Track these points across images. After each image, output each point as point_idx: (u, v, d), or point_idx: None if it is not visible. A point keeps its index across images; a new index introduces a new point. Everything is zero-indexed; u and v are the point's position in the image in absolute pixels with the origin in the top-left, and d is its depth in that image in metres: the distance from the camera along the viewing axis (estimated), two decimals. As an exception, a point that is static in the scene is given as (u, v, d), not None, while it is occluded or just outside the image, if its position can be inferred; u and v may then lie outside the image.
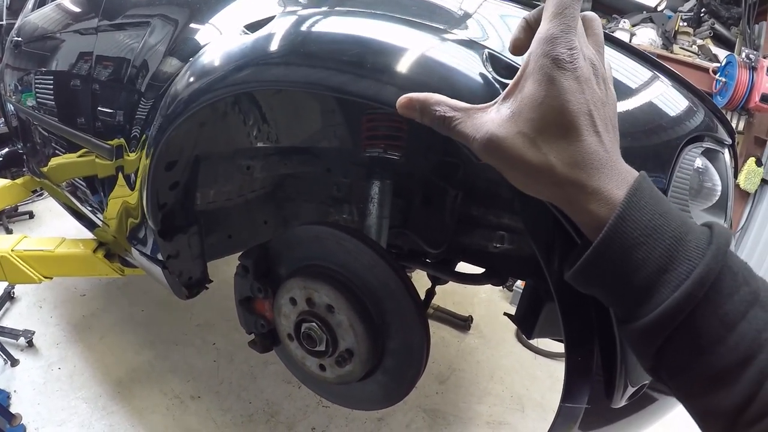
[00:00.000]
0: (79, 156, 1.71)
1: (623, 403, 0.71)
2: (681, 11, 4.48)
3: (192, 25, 1.13)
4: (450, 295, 3.37)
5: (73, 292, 3.06)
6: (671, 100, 0.75)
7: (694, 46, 4.19)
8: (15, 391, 2.26)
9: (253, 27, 0.93)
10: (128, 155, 1.29)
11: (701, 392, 0.48)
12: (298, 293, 1.02)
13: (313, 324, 1.00)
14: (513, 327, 3.12)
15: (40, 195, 4.21)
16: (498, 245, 1.39)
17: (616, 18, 4.51)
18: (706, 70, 3.96)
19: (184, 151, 1.19)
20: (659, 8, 4.64)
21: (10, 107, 2.68)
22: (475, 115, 0.54)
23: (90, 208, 1.82)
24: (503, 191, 1.35)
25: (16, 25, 2.66)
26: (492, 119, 0.52)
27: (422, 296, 1.48)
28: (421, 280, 1.72)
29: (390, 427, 2.28)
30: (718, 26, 4.28)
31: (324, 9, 0.86)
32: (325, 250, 1.02)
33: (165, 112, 1.07)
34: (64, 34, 1.89)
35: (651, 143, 0.70)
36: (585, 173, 0.50)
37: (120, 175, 1.37)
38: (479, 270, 1.48)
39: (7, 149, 3.11)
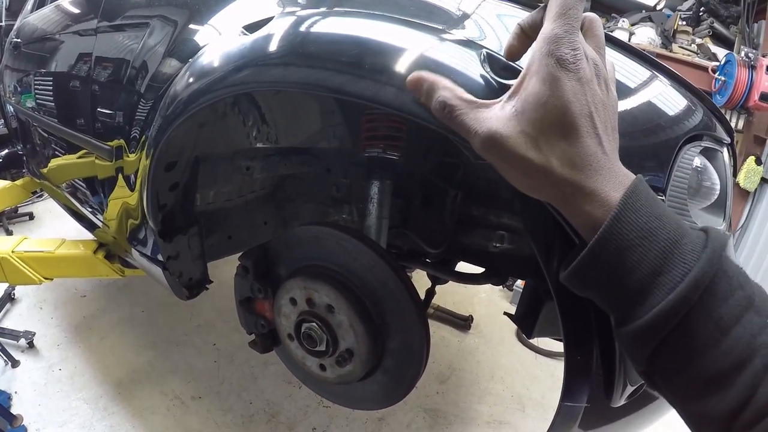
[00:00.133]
0: (79, 157, 1.71)
1: (622, 402, 0.72)
2: (680, 10, 4.49)
3: (191, 26, 1.13)
4: (450, 295, 3.37)
5: (73, 294, 3.06)
6: (670, 100, 0.76)
7: (693, 45, 4.19)
8: (16, 393, 2.27)
9: (251, 28, 0.93)
10: (128, 156, 1.29)
11: (695, 396, 0.48)
12: (298, 293, 1.02)
13: (314, 324, 1.00)
14: (513, 326, 3.13)
15: (40, 196, 4.21)
16: (498, 245, 1.40)
17: (615, 17, 4.51)
18: (705, 69, 3.96)
19: (183, 152, 1.19)
20: (658, 7, 4.64)
21: (10, 108, 2.68)
22: (479, 110, 0.54)
23: (90, 209, 1.82)
24: (503, 191, 1.35)
25: (15, 27, 2.65)
26: (496, 116, 0.52)
27: (422, 296, 1.48)
28: (421, 280, 1.72)
29: (390, 427, 2.28)
30: (717, 25, 4.28)
31: (323, 10, 0.86)
32: (325, 251, 1.02)
33: (164, 112, 1.07)
34: (63, 35, 1.89)
35: (650, 142, 0.70)
36: (583, 175, 0.50)
37: (120, 176, 1.37)
38: (479, 270, 1.49)
39: (6, 150, 3.11)
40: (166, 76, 1.12)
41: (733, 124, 4.00)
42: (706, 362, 0.46)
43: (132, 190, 1.31)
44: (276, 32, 0.87)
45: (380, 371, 1.04)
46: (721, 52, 4.06)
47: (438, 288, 1.76)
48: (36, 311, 2.89)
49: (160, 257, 1.32)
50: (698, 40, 4.23)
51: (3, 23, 3.99)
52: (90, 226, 1.95)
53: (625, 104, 0.70)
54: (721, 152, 0.82)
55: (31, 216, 4.18)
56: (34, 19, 2.32)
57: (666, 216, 0.50)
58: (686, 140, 0.73)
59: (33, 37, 2.23)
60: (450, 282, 1.65)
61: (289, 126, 1.42)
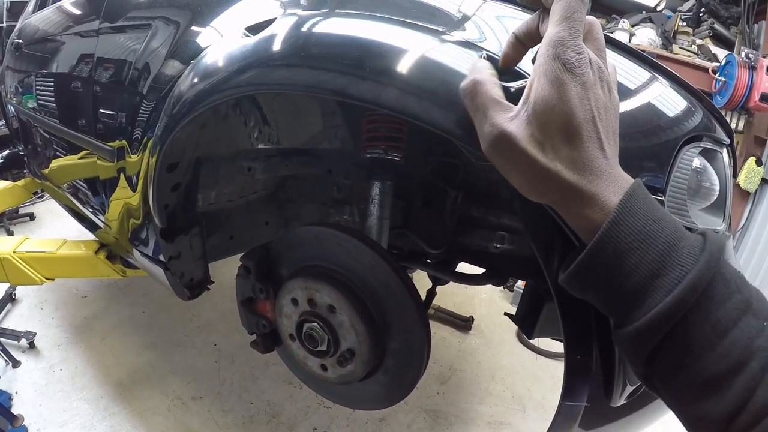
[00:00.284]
0: (81, 158, 1.72)
1: (622, 401, 0.72)
2: (680, 11, 4.49)
3: (193, 28, 1.14)
4: (451, 296, 3.37)
5: (74, 294, 3.07)
6: (669, 101, 0.76)
7: (693, 46, 4.19)
8: (17, 393, 2.27)
9: (254, 29, 0.93)
10: (130, 157, 1.30)
11: (692, 399, 0.48)
12: (299, 294, 1.02)
13: (315, 324, 1.00)
14: (514, 327, 3.13)
15: (41, 197, 4.22)
16: (498, 245, 1.40)
17: (615, 18, 4.51)
18: (705, 69, 3.96)
19: (185, 153, 1.20)
20: (658, 8, 4.64)
21: (11, 109, 2.68)
22: (500, 108, 0.54)
23: (91, 210, 1.82)
24: (503, 192, 1.35)
25: (16, 28, 2.66)
26: (511, 117, 0.52)
27: (423, 297, 1.49)
28: (421, 280, 1.73)
29: (391, 427, 2.28)
30: (717, 26, 4.28)
31: (325, 11, 0.87)
32: (327, 251, 1.03)
33: (170, 112, 1.08)
34: (64, 36, 1.90)
35: (650, 143, 0.70)
36: (584, 179, 0.50)
37: (122, 177, 1.37)
38: (480, 270, 1.49)
39: (8, 151, 3.11)
40: (169, 78, 1.13)
41: (733, 125, 4.00)
42: (703, 365, 0.47)
43: (134, 190, 1.31)
44: (278, 34, 0.88)
45: (381, 371, 1.05)
46: (721, 53, 4.06)
47: (439, 289, 1.76)
48: (37, 312, 2.89)
49: (161, 257, 1.32)
50: (699, 41, 4.23)
51: (4, 24, 4.00)
52: (91, 226, 1.95)
53: (625, 105, 0.70)
54: (721, 153, 0.82)
55: (32, 216, 4.19)
56: (35, 20, 2.32)
57: (664, 219, 0.50)
58: (686, 141, 0.73)
59: (34, 38, 2.24)
60: (451, 283, 1.65)
61: (291, 127, 1.42)
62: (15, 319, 2.82)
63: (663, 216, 0.50)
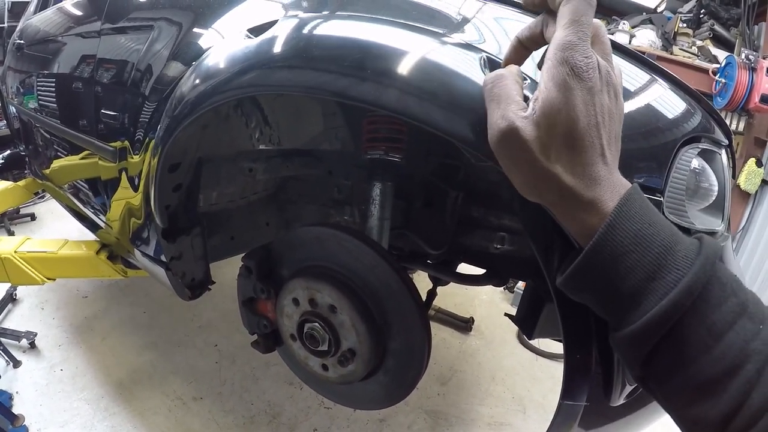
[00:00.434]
0: (82, 158, 1.72)
1: (621, 401, 0.72)
2: (680, 12, 4.48)
3: (195, 30, 1.14)
4: (451, 297, 3.37)
5: (75, 294, 3.07)
6: (668, 102, 0.76)
7: (693, 48, 4.19)
8: (17, 393, 2.27)
9: (256, 31, 0.93)
10: (132, 157, 1.30)
11: (688, 402, 0.49)
12: (300, 294, 1.03)
13: (316, 324, 1.01)
14: (514, 328, 3.13)
15: (42, 197, 4.22)
16: (498, 246, 1.40)
17: (615, 19, 4.51)
18: (705, 71, 3.96)
19: (187, 154, 1.20)
20: (659, 9, 4.64)
21: (13, 109, 2.69)
22: (514, 103, 0.54)
23: (93, 210, 1.83)
24: (504, 193, 1.36)
25: (18, 28, 2.67)
26: (523, 116, 0.52)
27: (423, 297, 1.49)
28: (422, 281, 1.73)
29: (392, 428, 2.28)
30: (717, 27, 4.27)
31: (326, 13, 0.87)
32: (327, 251, 1.03)
33: (172, 113, 1.08)
34: (66, 37, 1.91)
35: (648, 144, 0.71)
36: (583, 184, 0.51)
37: (123, 177, 1.38)
38: (480, 271, 1.49)
39: (9, 151, 3.12)
40: (171, 79, 1.13)
41: (733, 127, 4.00)
42: (699, 367, 0.47)
43: (135, 190, 1.32)
44: (280, 36, 0.88)
45: (382, 371, 1.05)
46: (721, 55, 4.06)
47: (439, 290, 1.76)
48: (38, 312, 2.90)
49: (163, 258, 1.33)
50: (699, 43, 4.23)
51: (6, 24, 4.01)
52: (93, 226, 1.96)
53: (625, 107, 0.71)
54: (720, 154, 0.83)
55: (32, 217, 4.19)
56: (37, 20, 2.33)
57: (660, 223, 0.50)
58: (684, 142, 0.73)
59: (36, 39, 2.25)
60: (451, 284, 1.66)
61: (292, 128, 1.43)
62: (16, 319, 2.82)
63: (659, 220, 0.51)
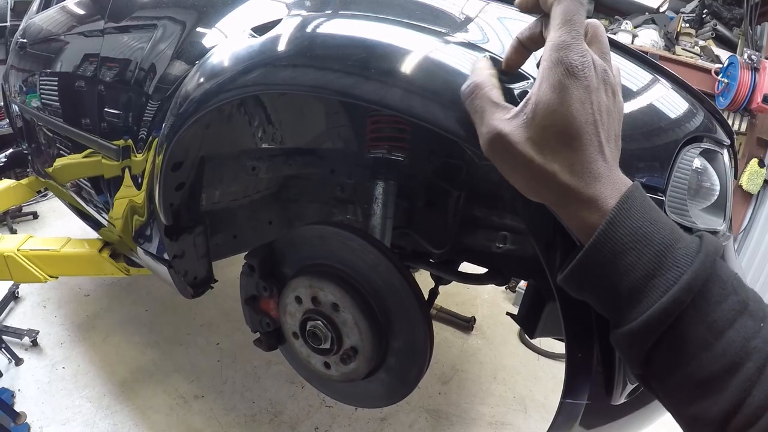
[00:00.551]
0: (85, 156, 1.73)
1: (623, 400, 0.72)
2: (683, 12, 4.48)
3: (199, 29, 1.15)
4: (453, 296, 3.38)
5: (77, 292, 3.08)
6: (670, 102, 0.77)
7: (696, 47, 4.19)
8: (19, 390, 2.28)
9: (260, 30, 0.94)
10: (135, 156, 1.31)
11: (689, 399, 0.49)
12: (303, 292, 1.03)
13: (318, 322, 1.01)
14: (516, 328, 3.14)
15: (44, 195, 4.24)
16: (500, 245, 1.40)
17: (618, 19, 4.51)
18: (708, 71, 3.96)
19: (189, 153, 1.20)
20: (661, 9, 4.64)
21: (15, 108, 2.69)
22: (498, 109, 0.55)
23: (95, 208, 1.83)
24: (506, 192, 1.36)
25: (20, 27, 2.67)
26: (509, 119, 0.53)
27: (426, 296, 1.49)
28: (424, 281, 1.73)
29: (393, 427, 2.29)
30: (720, 27, 4.27)
31: (329, 12, 0.88)
32: (330, 250, 1.03)
33: (177, 111, 1.08)
34: (69, 36, 1.91)
35: (651, 144, 0.71)
36: (583, 182, 0.51)
37: (127, 176, 1.38)
38: (482, 270, 1.49)
39: (12, 150, 3.12)
40: (175, 78, 1.13)
41: (736, 127, 4.00)
42: (699, 365, 0.47)
43: (139, 189, 1.32)
44: (284, 34, 0.88)
45: (384, 370, 1.05)
46: (724, 54, 4.06)
47: (441, 289, 1.76)
48: (40, 310, 2.91)
49: (165, 256, 1.33)
50: (701, 42, 4.23)
51: (8, 23, 4.02)
52: (95, 225, 1.96)
53: (627, 107, 0.71)
54: (722, 154, 0.83)
55: (35, 215, 4.21)
56: (39, 19, 2.33)
57: (661, 221, 0.51)
58: (686, 142, 0.74)
59: (39, 38, 2.25)
60: (453, 283, 1.66)
61: (295, 127, 1.43)
62: (18, 317, 2.84)
63: (660, 218, 0.51)
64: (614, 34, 4.25)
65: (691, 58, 4.10)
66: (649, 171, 0.69)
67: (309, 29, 0.86)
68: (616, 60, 0.78)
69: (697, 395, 0.48)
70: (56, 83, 1.95)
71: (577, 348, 0.70)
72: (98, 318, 2.87)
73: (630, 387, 0.72)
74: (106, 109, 1.46)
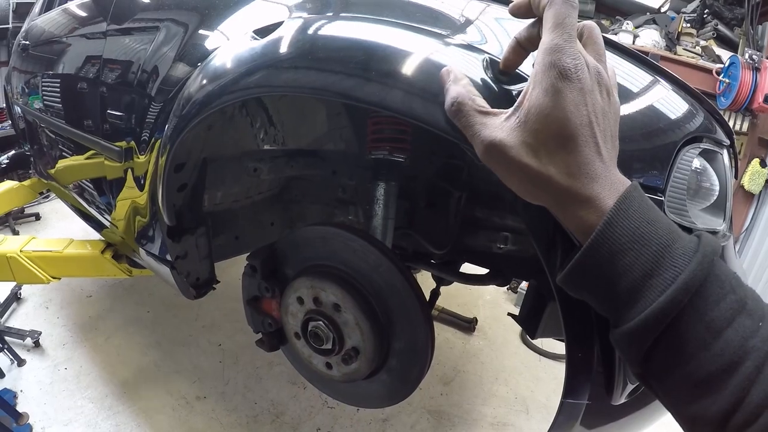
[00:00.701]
0: (87, 158, 1.73)
1: (623, 400, 0.73)
2: (684, 12, 4.48)
3: (201, 31, 1.15)
4: (455, 297, 3.38)
5: (79, 293, 3.09)
6: (670, 103, 0.77)
7: (697, 48, 4.19)
8: (22, 391, 2.29)
9: (262, 32, 0.94)
10: (138, 157, 1.31)
11: (688, 398, 0.49)
12: (305, 292, 1.03)
13: (320, 323, 1.02)
14: (517, 329, 3.14)
15: (46, 197, 4.25)
16: (502, 246, 1.40)
17: (619, 19, 4.51)
18: (709, 71, 3.95)
19: (192, 154, 1.21)
20: (662, 9, 4.64)
21: (18, 110, 2.70)
22: (487, 117, 0.56)
23: (98, 210, 1.84)
24: (506, 193, 1.35)
25: (23, 29, 2.68)
26: (501, 125, 0.54)
27: (427, 297, 1.50)
28: (426, 281, 1.74)
29: (395, 428, 2.29)
30: (721, 27, 4.27)
31: (331, 15, 0.88)
32: (332, 250, 1.04)
33: (179, 113, 1.09)
34: (71, 38, 1.92)
35: (650, 144, 0.71)
36: (580, 183, 0.51)
37: (129, 177, 1.38)
38: (483, 271, 1.50)
39: (14, 151, 3.13)
40: (177, 80, 1.14)
41: (737, 127, 3.99)
42: (698, 364, 0.47)
43: (141, 190, 1.33)
44: (286, 37, 0.89)
45: (385, 370, 1.06)
46: (725, 55, 4.05)
47: (442, 290, 1.77)
48: (42, 311, 2.92)
49: (168, 257, 1.33)
50: (702, 43, 4.22)
51: (10, 25, 4.02)
52: (98, 226, 1.97)
53: (626, 108, 0.71)
54: (721, 154, 0.83)
55: (37, 216, 4.22)
56: (42, 21, 2.34)
57: (659, 221, 0.51)
58: (686, 142, 0.74)
59: (41, 40, 2.26)
60: (455, 284, 1.66)
61: (296, 128, 1.44)
62: (20, 318, 2.84)
63: (658, 218, 0.51)
64: (615, 34, 4.25)
65: (693, 58, 4.09)
66: (649, 171, 0.69)
67: (310, 32, 0.87)
68: (615, 61, 0.78)
69: (696, 394, 0.48)
70: (58, 85, 1.96)
71: (577, 348, 0.70)
72: (100, 319, 2.87)
73: (630, 387, 0.72)
74: (108, 111, 1.47)
